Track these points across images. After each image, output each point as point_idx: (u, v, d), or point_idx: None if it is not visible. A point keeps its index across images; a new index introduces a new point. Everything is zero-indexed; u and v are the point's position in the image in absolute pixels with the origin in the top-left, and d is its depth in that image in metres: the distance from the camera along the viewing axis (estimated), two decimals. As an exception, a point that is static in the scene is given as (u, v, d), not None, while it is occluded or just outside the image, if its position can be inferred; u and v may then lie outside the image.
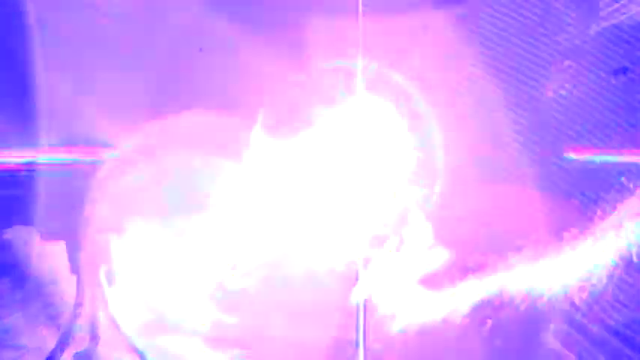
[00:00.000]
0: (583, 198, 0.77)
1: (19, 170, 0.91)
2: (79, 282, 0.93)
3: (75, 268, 0.93)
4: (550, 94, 0.86)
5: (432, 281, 0.74)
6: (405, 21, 0.86)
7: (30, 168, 0.92)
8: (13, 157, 0.90)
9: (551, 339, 0.56)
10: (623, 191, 0.57)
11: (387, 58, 0.86)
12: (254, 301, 0.93)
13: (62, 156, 0.92)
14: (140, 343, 0.91)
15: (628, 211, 0.54)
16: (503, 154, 0.87)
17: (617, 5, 0.82)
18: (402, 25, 0.86)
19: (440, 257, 0.78)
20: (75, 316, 0.92)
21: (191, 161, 0.95)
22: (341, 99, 0.87)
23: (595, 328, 0.53)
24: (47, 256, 0.93)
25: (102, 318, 0.92)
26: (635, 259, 0.52)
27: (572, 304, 0.54)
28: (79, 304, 0.92)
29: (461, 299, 0.65)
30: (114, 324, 0.91)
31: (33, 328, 0.92)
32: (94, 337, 0.93)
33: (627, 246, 0.52)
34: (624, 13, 0.81)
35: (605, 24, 0.83)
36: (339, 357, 0.81)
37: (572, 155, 0.86)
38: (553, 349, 0.56)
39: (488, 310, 0.62)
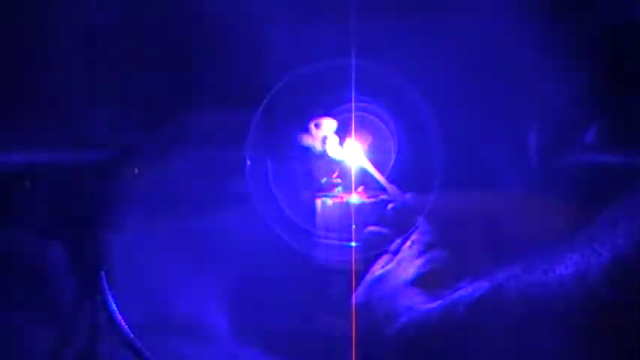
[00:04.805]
0: (582, 198, 0.77)
1: (20, 170, 0.91)
2: (78, 282, 0.93)
3: (75, 268, 0.93)
4: (550, 93, 0.86)
5: (431, 281, 0.74)
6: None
7: (30, 168, 0.92)
8: (13, 157, 0.91)
9: (549, 340, 0.56)
10: (623, 191, 0.56)
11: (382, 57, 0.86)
12: (251, 301, 0.93)
13: (62, 156, 0.93)
14: (140, 343, 0.91)
15: (627, 211, 0.54)
16: (502, 154, 0.87)
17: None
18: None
19: (439, 257, 0.77)
20: (75, 316, 0.92)
21: (193, 160, 0.95)
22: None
23: (593, 329, 0.52)
24: (47, 256, 0.93)
25: (102, 318, 0.92)
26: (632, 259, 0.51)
27: (572, 304, 0.53)
28: (79, 304, 0.93)
29: (460, 300, 0.65)
30: (114, 324, 0.91)
31: (33, 328, 0.92)
32: (94, 337, 0.93)
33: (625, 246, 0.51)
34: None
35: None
36: (337, 358, 0.80)
37: (572, 155, 0.86)
38: (551, 350, 0.56)
39: (487, 311, 0.61)
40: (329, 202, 0.88)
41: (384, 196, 0.87)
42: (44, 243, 0.93)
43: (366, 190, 0.88)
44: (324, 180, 0.90)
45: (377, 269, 0.80)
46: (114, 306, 0.92)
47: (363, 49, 0.84)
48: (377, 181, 0.87)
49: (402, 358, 0.69)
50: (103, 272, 0.92)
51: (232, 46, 0.90)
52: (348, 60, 0.84)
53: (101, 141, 0.93)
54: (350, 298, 0.79)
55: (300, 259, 0.87)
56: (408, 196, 0.86)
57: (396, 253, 0.81)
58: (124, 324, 0.91)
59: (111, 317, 0.91)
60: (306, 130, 0.87)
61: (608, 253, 0.50)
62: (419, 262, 0.76)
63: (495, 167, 0.87)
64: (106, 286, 0.92)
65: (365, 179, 0.88)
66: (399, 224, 0.83)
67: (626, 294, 0.49)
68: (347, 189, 0.89)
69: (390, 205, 0.85)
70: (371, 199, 0.87)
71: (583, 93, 0.84)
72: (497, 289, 0.60)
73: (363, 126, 0.89)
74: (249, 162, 0.90)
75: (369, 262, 0.82)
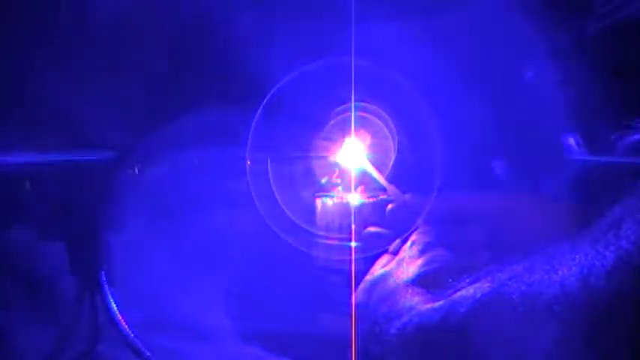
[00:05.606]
0: (582, 198, 0.77)
1: (20, 170, 0.91)
2: (78, 282, 0.93)
3: (75, 268, 0.93)
4: (550, 94, 0.86)
5: (431, 281, 0.74)
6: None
7: (30, 168, 0.92)
8: (14, 157, 0.91)
9: (551, 341, 0.55)
10: (625, 191, 0.56)
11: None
12: (252, 301, 0.93)
13: (62, 156, 0.92)
14: (140, 343, 0.91)
15: (630, 212, 0.54)
16: (503, 154, 0.87)
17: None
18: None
19: (439, 257, 0.77)
20: (75, 316, 0.92)
21: (192, 160, 0.95)
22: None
23: (595, 331, 0.52)
24: (47, 256, 0.93)
25: (102, 318, 0.93)
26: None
27: (574, 305, 0.53)
28: (79, 304, 0.93)
29: (461, 301, 0.64)
30: (114, 324, 0.91)
31: (33, 328, 0.92)
32: (94, 337, 0.93)
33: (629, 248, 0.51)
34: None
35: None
36: (337, 357, 0.80)
37: (572, 155, 0.86)
38: (553, 352, 0.56)
39: (488, 311, 0.61)
40: (329, 202, 0.88)
41: (384, 196, 0.87)
42: (44, 243, 0.93)
43: (366, 190, 0.88)
44: (324, 180, 0.90)
45: (377, 269, 0.80)
46: (114, 306, 0.92)
47: (363, 49, 0.84)
48: (377, 181, 0.87)
49: (401, 358, 0.69)
50: (103, 272, 0.92)
51: (232, 46, 0.90)
52: (348, 60, 0.84)
53: (101, 141, 0.93)
54: (350, 298, 0.79)
55: (300, 259, 0.87)
56: (408, 196, 0.86)
57: (396, 253, 0.81)
58: (124, 324, 0.91)
59: (111, 317, 0.91)
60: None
61: (611, 255, 0.50)
62: (419, 262, 0.76)
63: (495, 167, 0.87)
64: (106, 286, 0.92)
65: (365, 179, 0.88)
66: (398, 224, 0.83)
67: (629, 296, 0.49)
68: (347, 189, 0.89)
69: (389, 205, 0.85)
70: (371, 199, 0.87)
71: (584, 93, 0.84)
72: (499, 290, 0.60)
73: (363, 126, 0.89)
74: (249, 162, 0.90)
75: (369, 262, 0.82)
